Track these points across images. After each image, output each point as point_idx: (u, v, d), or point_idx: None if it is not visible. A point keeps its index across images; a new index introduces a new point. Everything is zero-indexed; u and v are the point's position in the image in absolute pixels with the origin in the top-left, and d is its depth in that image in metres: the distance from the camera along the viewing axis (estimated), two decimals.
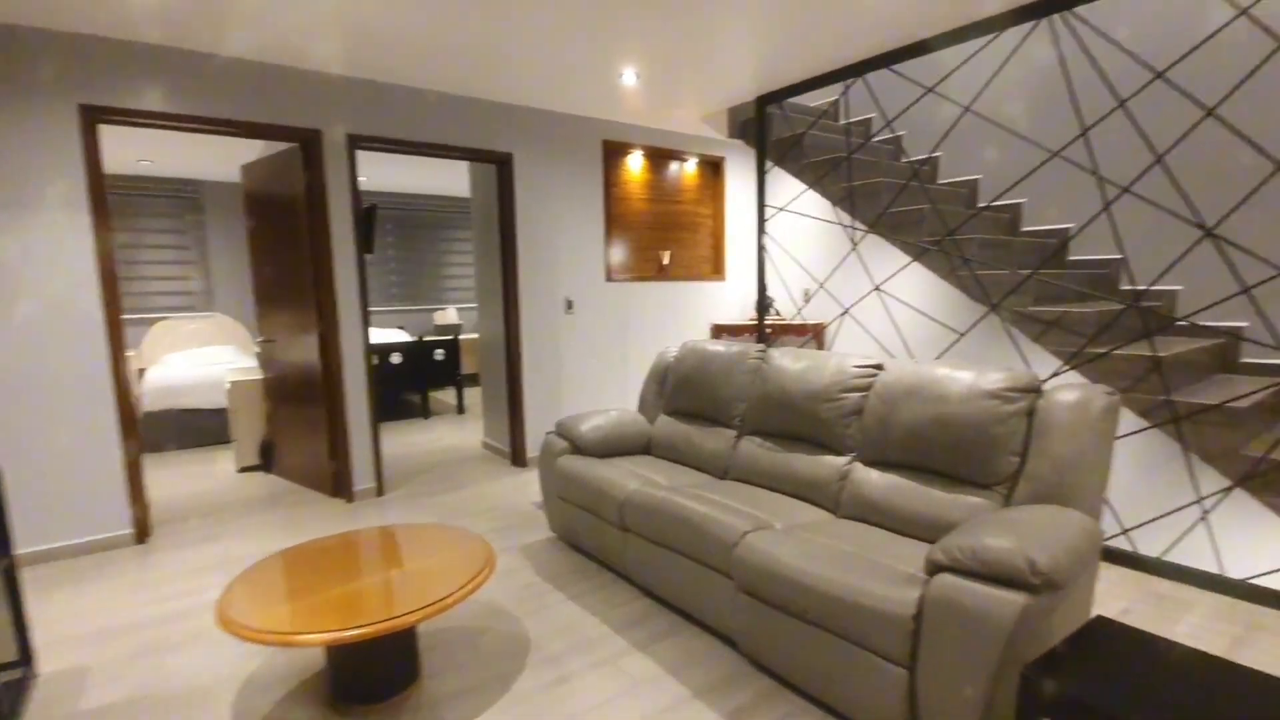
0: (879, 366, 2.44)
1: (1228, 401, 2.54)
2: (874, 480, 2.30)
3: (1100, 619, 1.60)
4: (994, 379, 2.04)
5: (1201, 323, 3.35)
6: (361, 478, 3.89)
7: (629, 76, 3.62)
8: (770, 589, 1.97)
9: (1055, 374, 3.02)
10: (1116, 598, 2.61)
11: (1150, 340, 2.80)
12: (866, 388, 2.44)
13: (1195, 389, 2.86)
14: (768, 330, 4.68)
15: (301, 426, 4.12)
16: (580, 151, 4.50)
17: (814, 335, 4.75)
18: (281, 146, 4.84)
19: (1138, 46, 3.50)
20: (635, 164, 4.78)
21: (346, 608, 1.82)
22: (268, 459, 4.62)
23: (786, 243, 5.13)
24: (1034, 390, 2.01)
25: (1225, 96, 2.74)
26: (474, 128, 4.06)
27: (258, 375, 4.67)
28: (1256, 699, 1.28)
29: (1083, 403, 1.89)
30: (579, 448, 3.12)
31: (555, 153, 4.40)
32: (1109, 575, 2.80)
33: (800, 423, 2.60)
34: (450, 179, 7.38)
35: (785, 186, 5.14)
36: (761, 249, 4.17)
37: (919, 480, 2.18)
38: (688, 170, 5.06)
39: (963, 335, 3.40)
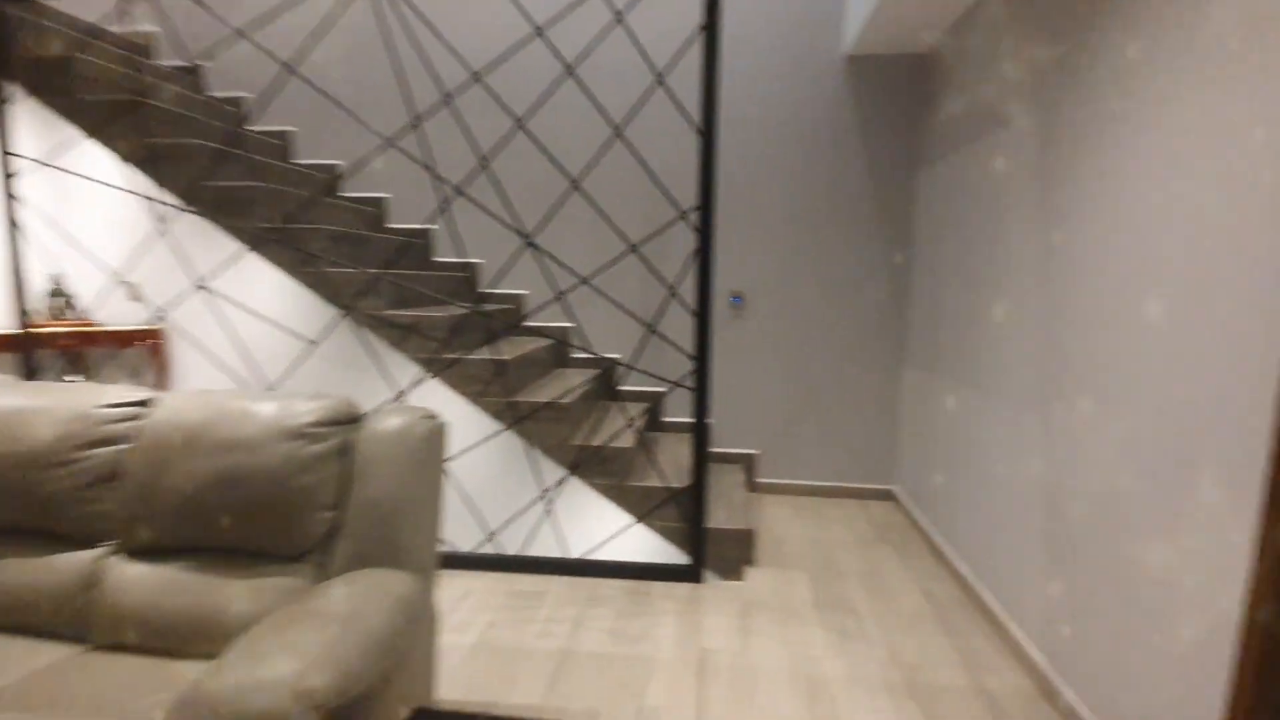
0: (144, 403, 1.62)
1: (557, 399, 2.73)
2: (138, 579, 1.49)
3: (420, 712, 1.26)
4: (301, 411, 1.51)
5: (540, 324, 3.71)
6: None
7: None
8: None
9: (418, 383, 2.79)
10: (484, 609, 2.52)
11: (494, 344, 2.83)
12: (127, 437, 1.59)
13: (540, 385, 3.05)
14: (69, 340, 3.15)
15: None
16: None
17: (151, 346, 3.46)
18: None
19: (467, 47, 3.57)
20: None
21: None
22: None
23: (82, 215, 3.60)
24: (351, 421, 1.57)
25: (531, 109, 2.97)
26: None
27: None
28: None
29: (403, 432, 1.55)
30: None
31: None
32: (479, 584, 2.72)
33: (14, 506, 1.55)
34: None
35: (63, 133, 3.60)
36: (13, 223, 2.70)
37: (205, 569, 1.49)
38: None
39: (316, 344, 2.86)
